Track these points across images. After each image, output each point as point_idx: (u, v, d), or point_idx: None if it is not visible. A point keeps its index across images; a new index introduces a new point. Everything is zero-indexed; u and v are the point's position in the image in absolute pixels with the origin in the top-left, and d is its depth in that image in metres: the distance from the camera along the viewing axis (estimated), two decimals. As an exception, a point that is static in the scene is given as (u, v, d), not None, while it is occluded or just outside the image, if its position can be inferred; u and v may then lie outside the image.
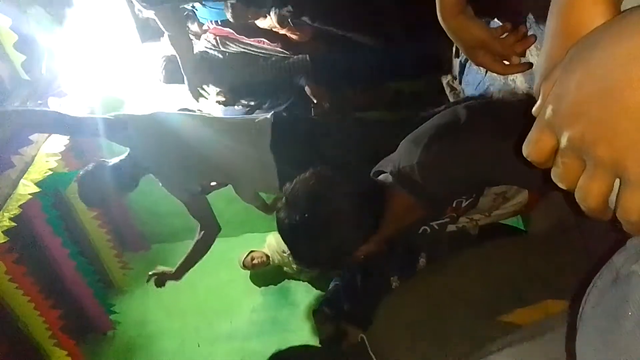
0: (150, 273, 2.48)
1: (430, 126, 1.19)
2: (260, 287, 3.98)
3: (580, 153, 0.33)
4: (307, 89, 2.93)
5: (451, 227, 1.24)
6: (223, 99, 3.11)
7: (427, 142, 1.13)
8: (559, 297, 0.82)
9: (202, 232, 2.31)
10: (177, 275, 2.41)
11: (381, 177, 1.21)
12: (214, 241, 2.33)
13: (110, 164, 2.21)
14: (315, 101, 2.88)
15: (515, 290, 0.94)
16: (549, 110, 0.34)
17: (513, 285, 0.95)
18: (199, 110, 3.30)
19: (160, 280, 2.44)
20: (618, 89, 0.30)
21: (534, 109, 0.36)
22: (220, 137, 2.13)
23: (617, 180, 0.32)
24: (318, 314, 1.98)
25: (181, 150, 2.10)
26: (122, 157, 2.22)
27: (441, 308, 0.95)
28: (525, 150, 0.36)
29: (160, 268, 2.48)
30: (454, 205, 1.17)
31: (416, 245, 1.37)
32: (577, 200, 0.34)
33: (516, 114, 1.20)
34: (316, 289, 3.76)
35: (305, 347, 1.11)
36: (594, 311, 0.31)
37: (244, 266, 3.90)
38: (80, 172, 2.26)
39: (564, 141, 0.34)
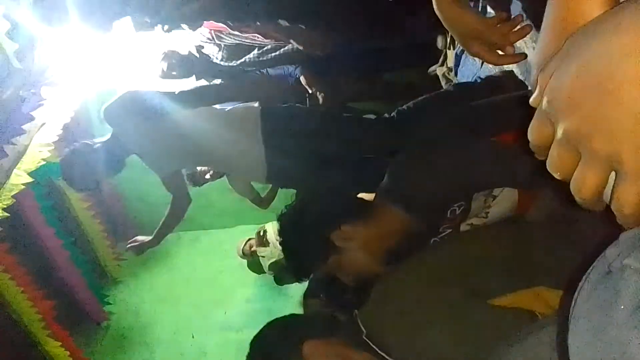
0: (128, 244, 2.51)
1: (412, 145, 1.29)
2: (258, 274, 3.98)
3: (576, 145, 0.33)
4: (302, 78, 2.93)
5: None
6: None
7: (410, 160, 1.20)
8: (550, 286, 0.83)
9: (175, 204, 2.34)
10: (154, 242, 2.45)
11: (374, 200, 1.28)
12: (185, 211, 2.37)
13: (95, 145, 2.18)
14: (310, 91, 2.87)
15: (506, 274, 0.95)
16: (545, 102, 0.34)
17: (505, 269, 0.96)
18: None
19: (139, 248, 2.45)
20: (614, 83, 0.30)
21: (531, 99, 0.36)
22: (212, 126, 2.13)
23: (612, 172, 0.33)
24: (308, 299, 1.98)
25: (172, 136, 2.10)
26: (105, 138, 2.19)
27: (433, 287, 0.95)
28: (529, 136, 0.37)
29: (140, 238, 2.51)
30: (448, 215, 1.20)
31: None
32: (571, 190, 0.34)
33: (495, 115, 1.23)
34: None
35: (294, 316, 1.11)
36: (586, 304, 0.32)
37: (243, 254, 3.89)
38: (63, 154, 2.23)
39: (559, 132, 0.34)
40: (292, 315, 1.12)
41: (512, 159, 1.13)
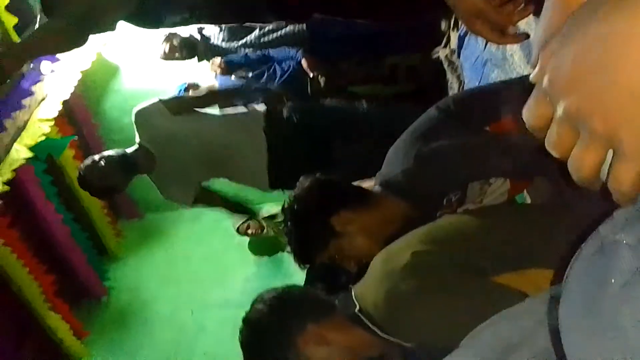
0: None
1: (408, 134, 1.28)
2: (255, 255, 4.00)
3: (575, 124, 0.33)
4: (303, 61, 2.91)
5: None
6: (219, 68, 3.09)
7: (407, 150, 1.22)
8: (544, 267, 0.84)
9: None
10: None
11: (373, 189, 1.31)
12: None
13: (113, 156, 2.14)
14: (311, 75, 2.86)
15: (501, 253, 0.96)
16: (545, 80, 0.34)
17: (499, 248, 0.96)
18: (197, 84, 3.29)
19: None
20: (615, 64, 0.30)
21: (531, 76, 0.36)
22: (218, 132, 2.14)
23: (609, 151, 0.33)
24: (310, 284, 2.00)
25: (186, 148, 2.11)
26: (130, 150, 2.17)
27: (426, 262, 0.96)
28: (525, 116, 0.37)
29: None
30: (444, 203, 1.23)
31: None
32: (569, 169, 0.35)
33: (489, 103, 1.23)
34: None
35: (288, 293, 1.12)
36: (578, 279, 0.32)
37: (238, 231, 3.92)
38: (84, 164, 2.18)
39: (559, 111, 0.34)
40: (286, 291, 1.12)
41: (506, 149, 1.14)
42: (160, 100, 2.15)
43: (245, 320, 1.10)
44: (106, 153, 2.13)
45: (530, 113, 0.36)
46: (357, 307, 1.00)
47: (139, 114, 2.14)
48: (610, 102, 0.31)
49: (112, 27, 1.59)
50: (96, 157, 2.12)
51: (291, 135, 2.10)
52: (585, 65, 0.32)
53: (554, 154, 0.36)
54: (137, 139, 2.17)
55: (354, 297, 1.02)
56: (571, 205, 0.97)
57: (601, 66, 0.31)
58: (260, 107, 2.18)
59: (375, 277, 1.02)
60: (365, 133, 2.11)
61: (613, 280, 0.29)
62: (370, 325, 0.98)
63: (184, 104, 2.18)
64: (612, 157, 0.33)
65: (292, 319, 1.04)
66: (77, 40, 1.52)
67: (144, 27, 1.90)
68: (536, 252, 0.91)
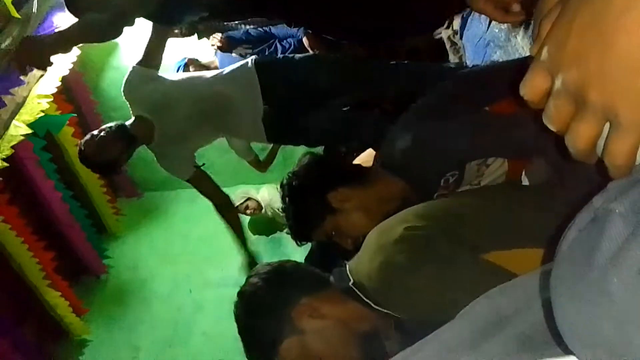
0: None
1: (407, 114, 1.28)
2: (255, 234, 4.02)
3: (573, 96, 0.33)
4: (304, 39, 2.88)
5: None
6: (219, 44, 3.06)
7: (406, 130, 1.23)
8: (539, 247, 0.84)
9: (215, 201, 2.39)
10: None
11: (371, 167, 1.33)
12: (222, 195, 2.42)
13: (112, 128, 2.14)
14: (312, 53, 2.83)
15: (498, 231, 0.96)
16: (545, 52, 0.34)
17: (497, 226, 0.97)
18: (197, 59, 3.26)
19: None
20: (614, 34, 0.30)
21: (531, 48, 0.36)
22: (211, 87, 2.14)
23: (606, 125, 0.33)
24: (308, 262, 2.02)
25: (185, 110, 2.11)
26: (128, 122, 2.17)
27: (419, 236, 0.96)
28: (522, 89, 0.37)
29: None
30: (442, 183, 1.24)
31: None
32: (566, 142, 0.35)
33: (488, 83, 1.23)
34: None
35: (282, 267, 1.12)
36: (570, 248, 0.32)
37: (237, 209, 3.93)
38: (84, 139, 2.17)
39: (558, 83, 0.34)
40: (281, 264, 1.12)
41: (505, 129, 1.14)
42: (134, 66, 2.16)
43: (240, 294, 1.10)
44: (105, 126, 2.13)
45: (528, 85, 0.36)
46: (352, 280, 1.01)
47: (126, 87, 2.16)
48: (608, 73, 0.31)
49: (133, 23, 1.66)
50: (95, 132, 2.13)
51: (287, 86, 2.09)
52: (585, 37, 0.32)
53: (552, 127, 0.36)
54: (133, 113, 2.17)
55: (348, 272, 1.02)
56: (567, 187, 0.97)
57: (600, 37, 0.31)
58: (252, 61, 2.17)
59: (369, 250, 1.02)
60: (364, 87, 2.11)
61: (603, 248, 0.29)
62: (364, 298, 0.98)
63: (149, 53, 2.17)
64: (609, 129, 0.33)
65: (286, 291, 1.05)
66: (114, 33, 1.64)
67: (162, 24, 1.92)
68: (529, 232, 0.90)
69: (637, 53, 0.30)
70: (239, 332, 1.07)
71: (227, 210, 2.43)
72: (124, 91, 2.17)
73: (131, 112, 2.19)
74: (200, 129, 2.19)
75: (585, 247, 0.30)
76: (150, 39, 2.14)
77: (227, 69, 2.19)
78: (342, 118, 2.13)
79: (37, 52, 1.53)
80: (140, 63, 2.15)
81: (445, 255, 0.93)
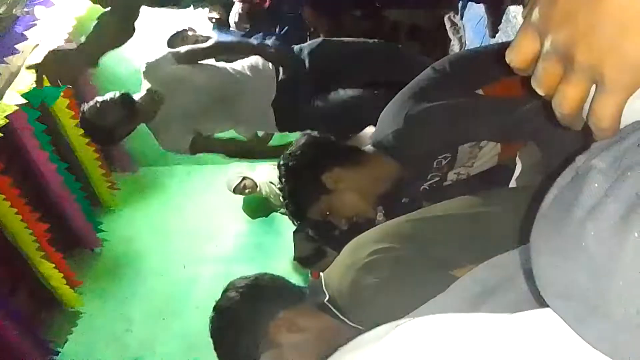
0: None
1: (401, 94, 1.28)
2: (252, 218, 4.04)
3: (562, 57, 0.33)
4: (304, 13, 2.85)
5: (446, 183, 1.34)
6: (217, 16, 3.03)
7: (399, 110, 1.23)
8: None
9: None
10: None
11: (365, 148, 1.33)
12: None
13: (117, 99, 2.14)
14: (312, 28, 2.80)
15: (468, 246, 0.96)
16: (535, 13, 0.34)
17: (467, 241, 0.97)
18: (192, 29, 3.22)
19: None
20: None
21: (522, 12, 0.36)
22: (227, 79, 2.18)
23: (593, 88, 0.33)
24: (299, 233, 2.03)
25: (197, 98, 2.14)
26: (137, 95, 2.17)
27: (387, 253, 0.97)
28: (509, 55, 0.36)
29: None
30: (434, 165, 1.25)
31: (419, 200, 1.45)
32: (553, 106, 0.35)
33: (480, 66, 1.22)
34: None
35: (259, 280, 1.12)
36: (551, 206, 0.33)
37: (234, 192, 3.93)
38: (87, 104, 2.17)
39: (547, 45, 0.34)
40: (258, 278, 1.12)
41: (497, 112, 1.14)
42: (169, 52, 2.21)
43: (216, 308, 1.09)
44: (110, 93, 2.14)
45: (516, 48, 0.36)
46: (327, 297, 1.02)
47: (150, 65, 2.17)
48: (595, 31, 0.31)
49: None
50: (99, 97, 2.15)
51: (301, 76, 2.14)
52: None
53: (540, 91, 0.36)
54: (145, 86, 2.18)
55: (323, 286, 1.03)
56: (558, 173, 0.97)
57: None
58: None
59: (341, 266, 1.04)
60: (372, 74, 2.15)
61: (582, 202, 0.29)
62: (338, 314, 1.00)
63: (191, 55, 2.21)
64: (595, 91, 0.33)
65: (264, 305, 1.05)
66: (128, 31, 1.63)
67: (161, 7, 1.92)
68: (498, 243, 0.91)
69: (626, 10, 0.30)
70: (215, 348, 1.06)
71: (246, 151, 2.45)
72: (147, 66, 2.18)
73: (144, 85, 2.19)
74: (208, 116, 2.22)
75: (565, 203, 0.31)
76: (204, 52, 2.22)
77: (247, 61, 2.23)
78: (355, 103, 2.14)
79: (64, 69, 1.53)
80: (178, 58, 2.18)
81: (415, 273, 0.94)
